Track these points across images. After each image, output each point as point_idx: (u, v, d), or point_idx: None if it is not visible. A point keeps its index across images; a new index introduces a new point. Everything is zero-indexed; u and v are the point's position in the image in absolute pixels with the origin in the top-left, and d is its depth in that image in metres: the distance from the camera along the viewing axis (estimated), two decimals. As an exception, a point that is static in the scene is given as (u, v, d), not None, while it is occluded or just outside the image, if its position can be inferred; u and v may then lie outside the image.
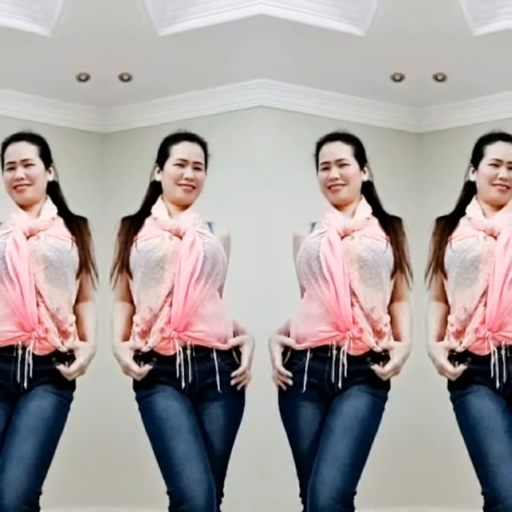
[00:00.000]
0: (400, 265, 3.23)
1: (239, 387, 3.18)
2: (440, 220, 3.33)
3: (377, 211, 3.31)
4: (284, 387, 3.19)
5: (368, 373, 3.14)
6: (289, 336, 3.23)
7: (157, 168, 3.32)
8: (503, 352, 3.13)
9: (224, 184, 4.85)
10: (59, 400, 3.12)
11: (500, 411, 3.09)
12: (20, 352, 3.11)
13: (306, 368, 3.15)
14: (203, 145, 3.34)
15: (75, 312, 3.23)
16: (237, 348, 3.20)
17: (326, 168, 3.29)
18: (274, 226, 5.07)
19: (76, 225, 3.28)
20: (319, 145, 3.35)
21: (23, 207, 3.27)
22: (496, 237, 3.19)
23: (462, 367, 3.14)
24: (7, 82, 5.43)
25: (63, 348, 3.15)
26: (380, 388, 3.16)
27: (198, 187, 3.29)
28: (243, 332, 3.24)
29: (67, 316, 3.18)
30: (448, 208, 3.37)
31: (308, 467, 3.11)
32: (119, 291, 3.27)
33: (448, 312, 3.24)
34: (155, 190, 3.33)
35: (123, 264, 3.23)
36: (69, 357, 3.16)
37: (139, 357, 3.14)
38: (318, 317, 3.16)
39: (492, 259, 3.15)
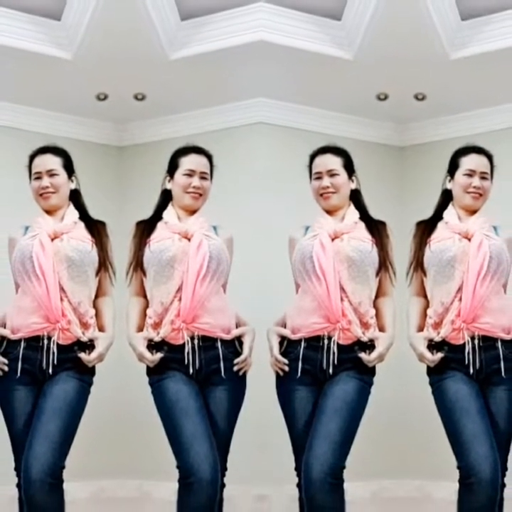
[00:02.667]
0: (384, 264, 3.23)
1: (241, 373, 3.17)
2: (420, 224, 3.32)
3: (364, 216, 3.31)
4: (281, 373, 3.19)
5: (355, 360, 3.13)
6: (285, 328, 3.22)
7: (168, 178, 3.32)
8: (476, 341, 3.12)
9: (227, 192, 4.85)
10: (80, 384, 3.12)
11: (473, 394, 3.08)
12: (45, 341, 3.11)
13: (300, 356, 3.15)
14: (209, 157, 3.33)
15: (95, 306, 3.23)
16: (239, 338, 3.19)
17: (319, 178, 3.28)
18: (272, 229, 5.07)
19: (95, 229, 3.28)
20: (312, 157, 3.34)
21: (48, 212, 3.27)
22: (469, 239, 3.18)
23: (440, 355, 3.14)
24: (34, 101, 5.44)
25: (84, 338, 3.15)
26: (366, 374, 3.16)
27: (204, 194, 3.29)
28: (244, 324, 3.23)
29: (88, 309, 3.18)
30: (427, 213, 3.37)
31: (302, 444, 3.10)
32: (133, 287, 3.27)
33: (427, 306, 3.23)
34: (166, 197, 3.33)
35: (137, 263, 3.23)
36: (89, 346, 3.15)
37: (152, 346, 3.13)
38: (311, 310, 3.16)
39: (466, 258, 3.15)
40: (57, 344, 3.11)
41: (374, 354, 3.14)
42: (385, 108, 5.54)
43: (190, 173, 3.25)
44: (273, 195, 5.36)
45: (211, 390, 3.13)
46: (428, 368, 3.19)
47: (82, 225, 3.27)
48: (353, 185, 3.32)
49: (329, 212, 3.29)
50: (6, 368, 3.10)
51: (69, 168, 3.30)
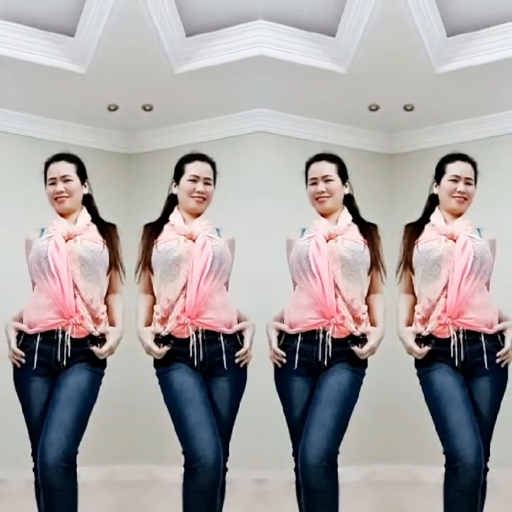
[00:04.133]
0: (375, 263, 3.22)
1: (242, 365, 3.17)
2: (409, 226, 3.32)
3: (357, 219, 3.30)
4: (279, 365, 3.19)
5: (348, 353, 3.13)
6: (283, 323, 3.22)
7: (174, 183, 3.31)
8: (461, 335, 3.12)
9: (229, 196, 4.85)
10: (92, 375, 3.12)
11: (458, 385, 3.08)
12: (60, 336, 3.11)
13: (297, 349, 3.15)
14: (212, 164, 3.33)
15: (106, 302, 3.23)
16: (240, 332, 3.19)
17: (314, 183, 3.28)
18: (271, 231, 5.07)
19: (107, 231, 3.27)
20: (308, 164, 3.34)
21: (63, 215, 3.27)
22: (455, 241, 3.18)
23: (427, 348, 3.14)
24: (49, 112, 5.44)
25: (96, 333, 3.14)
26: (359, 366, 3.15)
27: (208, 199, 3.28)
28: (245, 319, 3.23)
29: (99, 305, 3.18)
30: (415, 216, 3.36)
31: (299, 431, 3.10)
32: (142, 285, 3.26)
33: (415, 302, 3.23)
34: (172, 201, 3.32)
35: (146, 263, 3.22)
36: (101, 340, 3.15)
37: (159, 340, 3.13)
38: (307, 306, 3.15)
39: (452, 258, 3.15)
40: (71, 338, 3.11)
41: (366, 347, 3.13)
42: (376, 118, 5.54)
43: (195, 179, 3.25)
44: (272, 199, 5.36)
45: (214, 381, 3.13)
46: (416, 360, 3.19)
47: (94, 227, 3.27)
48: (347, 190, 3.31)
49: (324, 215, 3.29)
50: (23, 361, 3.10)
51: (82, 174, 3.30)
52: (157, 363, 3.16)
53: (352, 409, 3.11)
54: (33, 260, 3.18)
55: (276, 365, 3.21)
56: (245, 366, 3.19)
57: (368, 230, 3.26)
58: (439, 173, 3.30)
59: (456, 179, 3.25)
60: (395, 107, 5.39)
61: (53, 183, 3.25)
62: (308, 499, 3.02)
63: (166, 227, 3.26)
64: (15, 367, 3.13)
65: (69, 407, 3.03)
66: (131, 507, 4.89)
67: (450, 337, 3.12)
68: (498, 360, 3.12)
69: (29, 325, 3.14)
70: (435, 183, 3.32)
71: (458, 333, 3.12)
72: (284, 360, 3.17)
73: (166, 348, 3.11)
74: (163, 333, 3.13)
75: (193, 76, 5.00)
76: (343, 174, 3.30)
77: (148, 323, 3.18)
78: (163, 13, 4.65)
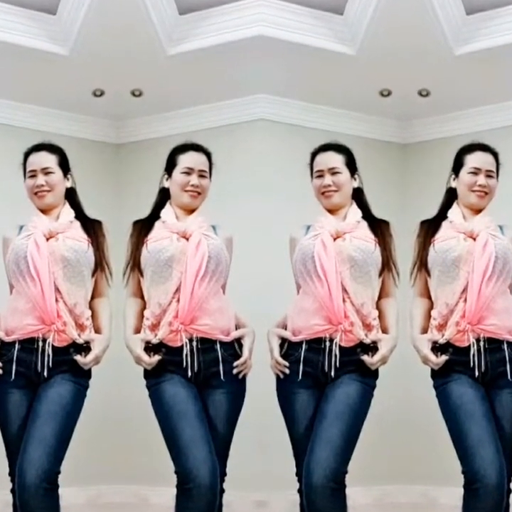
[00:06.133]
0: (387, 264, 3.23)
1: (240, 376, 3.17)
2: (424, 223, 3.32)
3: (367, 215, 3.31)
4: (282, 376, 3.19)
5: (358, 363, 3.13)
6: (286, 329, 3.22)
7: (166, 176, 3.32)
8: (481, 343, 3.12)
9: (227, 190, 4.85)
10: (76, 387, 3.12)
11: (478, 397, 3.08)
12: (40, 343, 3.11)
13: (301, 358, 3.15)
14: (208, 155, 3.33)
15: (91, 307, 3.23)
16: (238, 340, 3.19)
17: (320, 176, 3.28)
18: (272, 228, 5.08)
19: (92, 228, 3.28)
20: (313, 155, 3.34)
21: (44, 211, 3.27)
22: (474, 239, 3.18)
23: (444, 357, 3.14)
24: (29, 98, 5.44)
25: (80, 340, 3.14)
26: (369, 376, 3.16)
27: (203, 193, 3.29)
28: (244, 325, 3.23)
29: (84, 310, 3.18)
30: (431, 212, 3.36)
31: (303, 448, 3.10)
32: (131, 287, 3.26)
33: (431, 307, 3.23)
34: (164, 195, 3.33)
35: (135, 264, 3.23)
36: (85, 348, 3.15)
37: (149, 348, 3.13)
38: (312, 312, 3.16)
39: (471, 258, 3.15)
40: (53, 346, 3.11)
41: (377, 356, 3.13)
42: (388, 104, 5.54)
43: (189, 171, 3.25)
44: (273, 193, 5.36)
45: (210, 393, 3.13)
46: (432, 370, 3.19)
47: (78, 224, 3.27)
48: (356, 184, 3.32)
49: (331, 211, 3.29)
50: (0, 371, 3.10)
51: (64, 166, 3.30)
52: (147, 374, 3.16)
53: (361, 425, 3.11)
54: (10, 261, 3.18)
55: (278, 376, 3.21)
56: (244, 377, 3.19)
57: (379, 228, 3.26)
58: (458, 164, 3.31)
59: (476, 171, 3.25)
60: (408, 92, 5.39)
61: (33, 176, 3.25)
62: (314, 523, 3.03)
63: (157, 224, 3.26)
64: (-9, 378, 3.14)
65: (50, 422, 3.02)
66: (118, 532, 4.90)
67: (469, 345, 3.12)
68: (522, 371, 3.12)
69: (6, 332, 3.14)
70: (453, 176, 3.33)
71: (478, 340, 3.12)
72: (287, 371, 3.17)
73: (157, 358, 3.11)
74: (154, 340, 3.13)
75: (187, 58, 5.00)
76: (351, 166, 3.30)
77: (138, 330, 3.18)
78: (154, -12, 4.65)
